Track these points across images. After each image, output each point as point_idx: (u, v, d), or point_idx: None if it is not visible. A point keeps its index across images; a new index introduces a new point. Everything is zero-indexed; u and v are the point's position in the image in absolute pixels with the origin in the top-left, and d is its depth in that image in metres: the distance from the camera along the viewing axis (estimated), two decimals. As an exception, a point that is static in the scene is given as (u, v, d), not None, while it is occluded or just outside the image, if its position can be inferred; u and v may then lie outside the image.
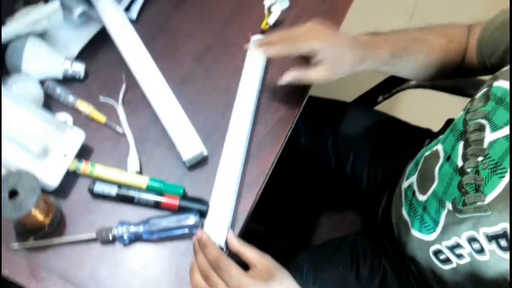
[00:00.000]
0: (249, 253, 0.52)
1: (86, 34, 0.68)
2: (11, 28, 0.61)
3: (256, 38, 0.69)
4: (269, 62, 0.69)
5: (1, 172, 0.55)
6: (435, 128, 0.87)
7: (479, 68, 0.69)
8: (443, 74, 0.72)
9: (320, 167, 0.92)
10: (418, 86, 0.89)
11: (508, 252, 0.48)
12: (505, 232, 0.48)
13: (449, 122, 0.83)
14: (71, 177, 0.58)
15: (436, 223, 0.59)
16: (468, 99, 0.63)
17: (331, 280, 0.75)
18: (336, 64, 0.61)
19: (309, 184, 0.94)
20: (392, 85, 0.93)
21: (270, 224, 0.92)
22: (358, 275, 0.75)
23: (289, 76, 0.61)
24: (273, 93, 0.67)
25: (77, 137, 0.59)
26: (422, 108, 1.44)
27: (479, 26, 0.69)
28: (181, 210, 0.57)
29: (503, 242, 0.49)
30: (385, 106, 0.98)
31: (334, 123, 0.90)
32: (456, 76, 0.75)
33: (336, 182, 0.92)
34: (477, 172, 0.53)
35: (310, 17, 0.74)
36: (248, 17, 0.73)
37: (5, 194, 0.50)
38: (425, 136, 0.87)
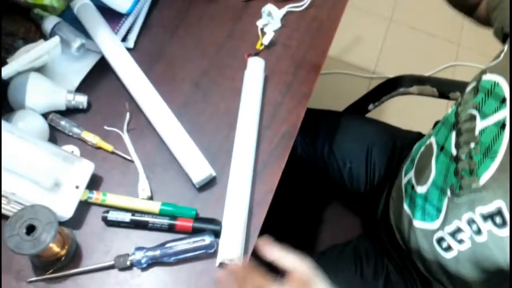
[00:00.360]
0: (288, 259, 0.52)
1: (85, 66, 0.70)
2: (13, 66, 0.62)
3: (251, 59, 0.71)
4: (267, 80, 0.72)
5: (0, 201, 0.55)
6: (425, 131, 0.91)
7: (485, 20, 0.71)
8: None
9: (318, 175, 0.95)
10: (405, 93, 0.93)
11: (504, 228, 0.51)
12: (499, 210, 0.51)
13: (438, 124, 0.87)
14: (83, 207, 0.59)
15: (439, 210, 0.63)
16: (450, 103, 0.67)
17: (337, 284, 0.77)
18: None
19: (308, 192, 0.96)
20: (381, 93, 0.97)
21: (272, 234, 0.93)
22: (363, 277, 0.77)
23: None
24: (274, 111, 0.69)
25: (86, 168, 0.60)
26: (410, 113, 1.48)
27: None
28: (195, 231, 0.58)
29: (498, 219, 0.52)
30: (375, 114, 1.02)
31: (328, 132, 0.93)
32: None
33: (335, 189, 0.95)
34: (471, 157, 0.57)
35: (301, 36, 0.77)
36: (242, 39, 0.76)
37: (22, 231, 0.51)
38: (417, 138, 0.90)
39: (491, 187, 0.53)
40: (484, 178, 0.54)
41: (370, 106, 1.01)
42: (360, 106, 1.03)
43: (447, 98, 0.92)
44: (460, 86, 0.92)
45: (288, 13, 0.79)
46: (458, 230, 0.59)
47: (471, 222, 0.56)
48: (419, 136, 0.92)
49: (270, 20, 0.76)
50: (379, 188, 0.88)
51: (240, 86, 0.70)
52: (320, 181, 0.96)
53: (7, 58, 0.64)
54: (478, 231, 0.55)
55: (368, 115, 1.02)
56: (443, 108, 0.83)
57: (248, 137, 0.65)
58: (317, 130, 0.94)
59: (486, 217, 0.53)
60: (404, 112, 1.49)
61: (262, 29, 0.76)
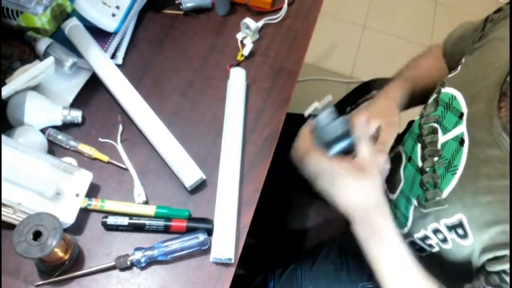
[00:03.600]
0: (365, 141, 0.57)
1: (78, 83, 0.75)
2: (11, 86, 0.67)
3: (233, 69, 0.77)
4: (248, 88, 0.77)
5: (0, 209, 0.59)
6: (399, 131, 0.97)
7: None
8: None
9: (301, 175, 1.00)
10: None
11: (466, 239, 0.55)
12: (460, 222, 0.55)
13: (411, 123, 0.94)
14: (83, 213, 0.63)
15: (406, 218, 0.67)
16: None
17: (325, 278, 0.82)
18: None
19: (292, 193, 1.01)
20: (357, 96, 1.03)
21: (260, 236, 0.98)
22: (348, 270, 0.82)
23: None
24: (257, 116, 0.75)
25: (85, 178, 0.64)
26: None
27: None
28: (189, 230, 0.63)
29: (460, 231, 0.56)
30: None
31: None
32: None
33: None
34: (434, 170, 0.60)
35: (278, 46, 0.83)
36: (224, 51, 0.81)
37: (29, 237, 0.55)
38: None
39: (452, 200, 0.56)
40: (446, 191, 0.57)
41: (348, 109, 1.07)
42: (338, 110, 1.09)
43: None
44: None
45: (265, 25, 0.85)
46: (426, 237, 0.63)
47: (436, 231, 0.60)
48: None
49: (249, 33, 0.82)
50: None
51: (224, 94, 0.76)
52: (303, 180, 1.01)
53: (5, 79, 0.68)
54: (444, 240, 0.59)
55: (346, 117, 1.08)
56: (416, 108, 0.89)
57: (234, 141, 0.70)
58: (296, 133, 0.99)
59: (450, 228, 0.57)
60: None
61: (241, 41, 0.82)
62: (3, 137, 0.62)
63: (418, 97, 0.77)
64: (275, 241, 0.97)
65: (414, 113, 0.80)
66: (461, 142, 0.56)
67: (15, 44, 0.76)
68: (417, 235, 0.65)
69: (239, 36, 0.82)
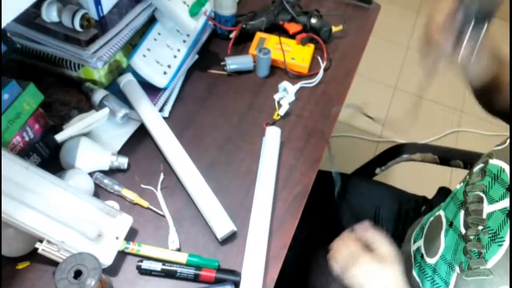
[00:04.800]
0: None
1: (127, 132, 0.81)
2: (68, 131, 0.73)
3: (269, 127, 0.82)
4: (282, 146, 0.82)
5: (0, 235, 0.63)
6: (429, 195, 0.98)
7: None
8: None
9: (329, 233, 1.00)
10: (409, 159, 1.01)
11: None
12: None
13: (441, 189, 0.95)
14: (120, 255, 0.67)
15: (447, 283, 0.66)
16: (453, 169, 0.74)
17: None
18: None
19: (320, 248, 1.02)
20: (387, 158, 1.06)
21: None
22: None
23: None
24: (289, 173, 0.79)
25: (126, 221, 0.68)
26: (415, 177, 1.56)
27: None
28: (217, 281, 0.65)
29: None
30: (382, 176, 1.10)
31: (339, 192, 1.00)
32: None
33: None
34: (479, 239, 0.60)
35: (313, 108, 0.88)
36: (261, 110, 0.87)
37: (71, 275, 0.59)
38: (422, 202, 0.97)
39: (498, 272, 0.56)
40: (492, 262, 0.57)
41: (377, 170, 1.09)
42: (368, 169, 1.12)
43: (448, 165, 1.00)
44: (459, 154, 1.00)
45: (301, 88, 0.91)
46: None
47: None
48: (424, 200, 0.99)
49: (286, 94, 0.87)
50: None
51: (259, 150, 0.80)
52: (330, 238, 1.02)
53: (62, 125, 0.76)
54: None
55: (376, 178, 1.10)
56: (447, 173, 0.90)
57: (266, 196, 0.73)
58: (327, 190, 1.01)
59: None
60: (409, 176, 1.57)
61: (278, 102, 0.88)
62: (54, 178, 0.68)
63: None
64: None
65: (443, 180, 0.82)
66: (509, 214, 0.57)
67: (74, 93, 0.85)
68: None
69: (277, 97, 0.88)
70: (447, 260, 0.67)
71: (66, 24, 0.76)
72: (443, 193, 0.95)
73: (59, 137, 0.73)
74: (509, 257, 0.56)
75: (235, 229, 0.70)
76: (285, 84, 0.86)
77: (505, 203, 0.58)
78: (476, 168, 0.68)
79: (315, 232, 1.01)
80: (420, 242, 0.76)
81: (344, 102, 0.91)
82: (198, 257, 0.67)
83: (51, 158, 0.75)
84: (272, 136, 0.81)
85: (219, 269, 0.67)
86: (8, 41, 0.82)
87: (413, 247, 0.79)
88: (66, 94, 0.84)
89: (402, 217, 0.96)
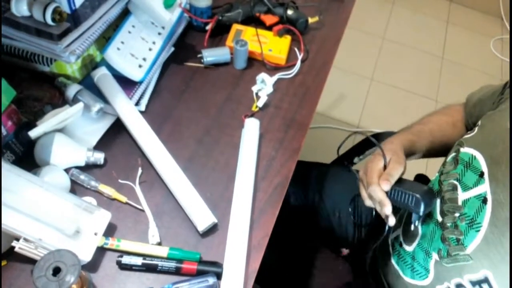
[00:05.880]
0: None
1: (102, 126, 0.80)
2: (41, 127, 0.72)
3: (248, 119, 0.82)
4: (261, 138, 0.82)
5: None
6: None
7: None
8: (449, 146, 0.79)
9: (309, 222, 1.02)
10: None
11: None
12: (486, 278, 0.57)
13: (418, 176, 0.97)
14: (99, 251, 0.66)
15: (427, 270, 0.68)
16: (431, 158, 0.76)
17: None
18: None
19: (300, 238, 1.03)
20: (365, 147, 1.07)
21: (266, 278, 0.99)
22: None
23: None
24: (268, 164, 0.79)
25: (104, 217, 0.67)
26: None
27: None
28: (199, 273, 0.65)
29: (485, 286, 0.57)
30: (360, 166, 1.11)
31: (318, 183, 1.02)
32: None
33: (325, 236, 1.02)
34: (456, 226, 0.62)
35: (291, 99, 0.89)
36: (239, 102, 0.87)
37: (49, 272, 0.58)
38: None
39: (477, 256, 0.58)
40: (471, 248, 0.59)
41: (356, 159, 1.11)
42: (346, 159, 1.13)
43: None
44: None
45: (279, 79, 0.91)
46: None
47: (459, 286, 0.62)
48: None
49: (263, 86, 0.87)
50: (367, 238, 0.96)
51: (238, 142, 0.80)
52: (312, 228, 1.04)
53: (36, 121, 0.74)
54: None
55: (354, 167, 1.12)
56: (421, 162, 0.92)
57: (246, 187, 0.74)
58: (308, 180, 1.03)
59: (475, 283, 0.59)
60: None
61: (257, 94, 0.88)
62: (30, 175, 0.66)
63: (420, 148, 0.80)
64: (280, 285, 0.98)
65: (421, 167, 0.84)
66: (484, 200, 0.59)
67: (47, 88, 0.83)
68: (440, 287, 0.66)
69: (255, 88, 0.88)
70: (423, 248, 0.69)
71: (37, 18, 0.74)
72: (420, 180, 0.98)
73: (33, 133, 0.71)
74: (488, 241, 0.57)
75: (216, 221, 0.70)
76: (263, 75, 0.87)
77: (479, 189, 0.60)
78: (449, 157, 0.71)
79: (302, 222, 1.02)
80: (399, 231, 0.78)
81: (321, 94, 0.92)
82: (179, 250, 0.67)
83: (25, 155, 0.73)
84: (251, 128, 0.81)
85: (201, 261, 0.67)
86: (-25, 36, 0.79)
87: (392, 236, 0.80)
88: (39, 90, 0.82)
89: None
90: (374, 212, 0.97)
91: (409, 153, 0.78)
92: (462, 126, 0.84)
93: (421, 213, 0.63)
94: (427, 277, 0.68)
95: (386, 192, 0.66)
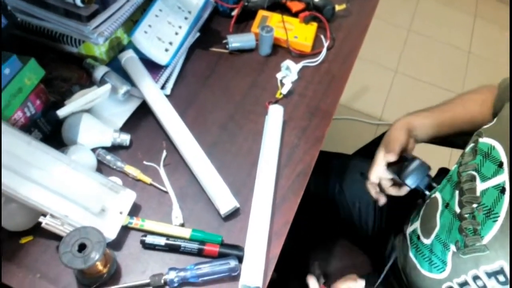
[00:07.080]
0: None
1: (128, 109, 0.81)
2: (70, 107, 0.73)
3: (272, 106, 0.82)
4: (285, 125, 0.82)
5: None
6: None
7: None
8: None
9: (330, 211, 1.02)
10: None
11: (506, 286, 0.56)
12: (502, 269, 0.56)
13: (442, 170, 0.95)
14: (124, 231, 0.67)
15: (444, 263, 0.67)
16: (457, 150, 0.74)
17: None
18: None
19: (320, 228, 1.03)
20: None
21: (285, 265, 0.99)
22: None
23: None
24: (291, 152, 0.79)
25: (129, 197, 0.68)
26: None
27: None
28: (220, 256, 0.66)
29: (501, 278, 0.57)
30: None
31: (339, 173, 1.01)
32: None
33: (345, 226, 1.02)
34: (474, 217, 0.62)
35: (316, 87, 0.88)
36: (264, 89, 0.86)
37: (75, 248, 0.59)
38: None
39: (494, 247, 0.57)
40: (487, 238, 0.58)
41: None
42: (368, 151, 1.12)
43: (451, 146, 1.00)
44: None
45: (304, 67, 0.90)
46: (466, 283, 0.64)
47: (476, 278, 0.61)
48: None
49: (288, 73, 0.87)
50: (387, 230, 0.95)
51: (261, 129, 0.80)
52: (332, 217, 1.03)
53: (64, 101, 0.75)
54: (484, 287, 0.60)
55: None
56: (447, 154, 0.90)
57: (268, 174, 0.74)
58: (329, 170, 1.02)
59: (490, 275, 0.58)
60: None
61: (281, 81, 0.87)
62: (57, 153, 0.67)
63: (448, 126, 0.81)
64: (298, 274, 0.98)
65: (445, 160, 0.82)
66: (502, 190, 0.58)
67: (74, 69, 0.84)
68: (457, 280, 0.65)
69: (279, 75, 0.87)
70: (441, 240, 0.68)
71: (66, -1, 0.75)
72: (443, 174, 0.96)
73: (61, 112, 0.72)
74: (505, 231, 0.56)
75: (238, 205, 0.70)
76: (287, 62, 0.86)
77: (498, 179, 0.59)
78: (467, 148, 0.69)
79: (320, 210, 1.02)
80: (417, 224, 0.77)
81: (346, 83, 0.91)
82: (201, 232, 0.68)
83: (52, 134, 0.75)
84: (275, 115, 0.80)
85: (223, 244, 0.68)
86: (8, 15, 0.80)
87: (410, 229, 0.80)
88: (67, 71, 0.83)
89: (402, 199, 0.97)
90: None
91: (433, 135, 0.81)
92: (489, 106, 0.82)
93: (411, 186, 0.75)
94: (444, 270, 0.68)
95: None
